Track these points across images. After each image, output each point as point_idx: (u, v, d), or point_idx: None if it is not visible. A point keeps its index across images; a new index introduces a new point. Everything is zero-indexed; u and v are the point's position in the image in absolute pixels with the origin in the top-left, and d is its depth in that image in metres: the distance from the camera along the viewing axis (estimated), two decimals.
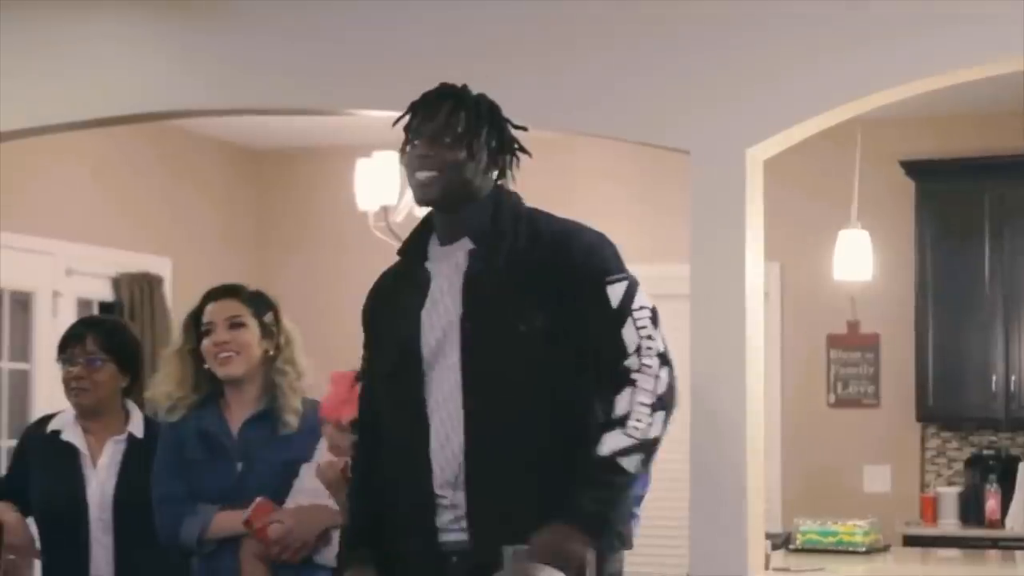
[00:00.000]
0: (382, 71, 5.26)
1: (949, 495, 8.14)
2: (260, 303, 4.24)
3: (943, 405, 8.21)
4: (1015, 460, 8.08)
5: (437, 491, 3.13)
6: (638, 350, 3.08)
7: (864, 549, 6.56)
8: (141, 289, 8.30)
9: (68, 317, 7.79)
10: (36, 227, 7.68)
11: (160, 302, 8.41)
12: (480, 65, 5.16)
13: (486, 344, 3.10)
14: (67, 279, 7.94)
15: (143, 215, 8.56)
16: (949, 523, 8.07)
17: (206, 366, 4.18)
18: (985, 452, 8.20)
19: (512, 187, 3.28)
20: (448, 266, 3.20)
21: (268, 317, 4.21)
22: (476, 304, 3.12)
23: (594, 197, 8.33)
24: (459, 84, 3.33)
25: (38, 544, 4.44)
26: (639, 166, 8.33)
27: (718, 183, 4.76)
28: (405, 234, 7.07)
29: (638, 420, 3.04)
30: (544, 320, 3.09)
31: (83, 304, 8.06)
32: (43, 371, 7.65)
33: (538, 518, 2.98)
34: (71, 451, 4.39)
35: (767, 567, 5.16)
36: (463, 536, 3.13)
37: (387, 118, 6.43)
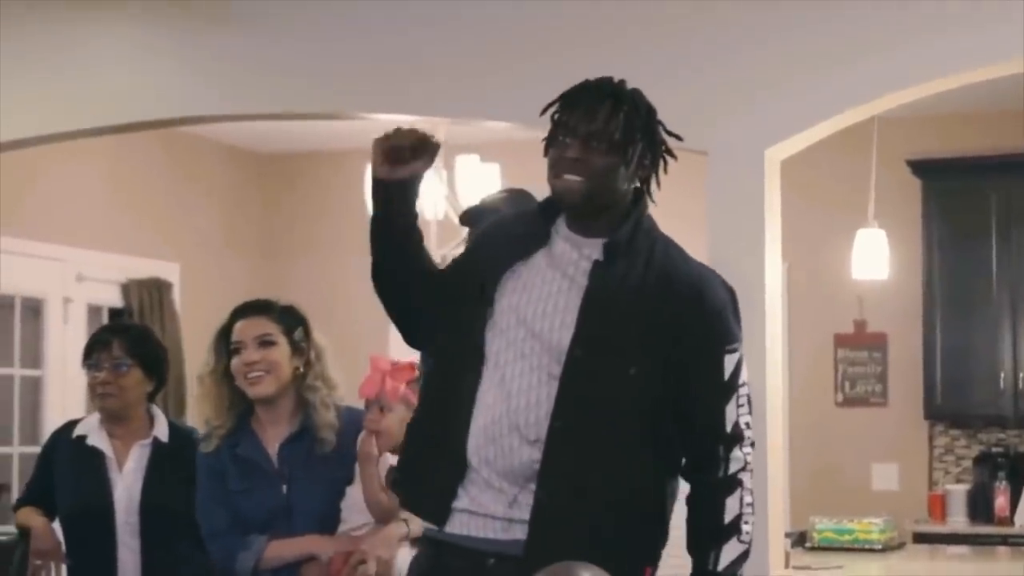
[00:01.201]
0: (392, 75, 5.28)
1: (958, 492, 8.16)
2: (290, 319, 4.15)
3: (951, 403, 8.24)
4: (1023, 457, 8.11)
5: (508, 487, 2.99)
6: (738, 437, 3.00)
7: (880, 547, 6.59)
8: (150, 294, 8.32)
9: (79, 323, 7.82)
10: (46, 233, 7.71)
11: (169, 307, 8.44)
12: (493, 67, 5.19)
13: (592, 377, 2.96)
14: (77, 285, 7.96)
15: (152, 220, 8.58)
16: (958, 520, 8.09)
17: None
18: (994, 450, 8.23)
19: (656, 193, 3.10)
20: (571, 252, 3.04)
21: (298, 333, 4.12)
22: (592, 332, 2.96)
23: None
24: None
25: (64, 548, 4.46)
26: None
27: (737, 184, 4.79)
28: None
29: (746, 523, 2.99)
30: (656, 365, 2.96)
31: (93, 310, 8.08)
32: (54, 377, 7.68)
33: (597, 548, 2.88)
34: (97, 455, 4.41)
35: (787, 565, 5.17)
36: (516, 536, 2.98)
37: (397, 122, 6.49)
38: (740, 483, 2.98)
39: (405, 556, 3.89)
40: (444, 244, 6.89)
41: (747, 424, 3.02)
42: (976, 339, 8.14)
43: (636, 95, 3.06)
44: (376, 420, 3.92)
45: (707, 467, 2.99)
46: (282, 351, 4.07)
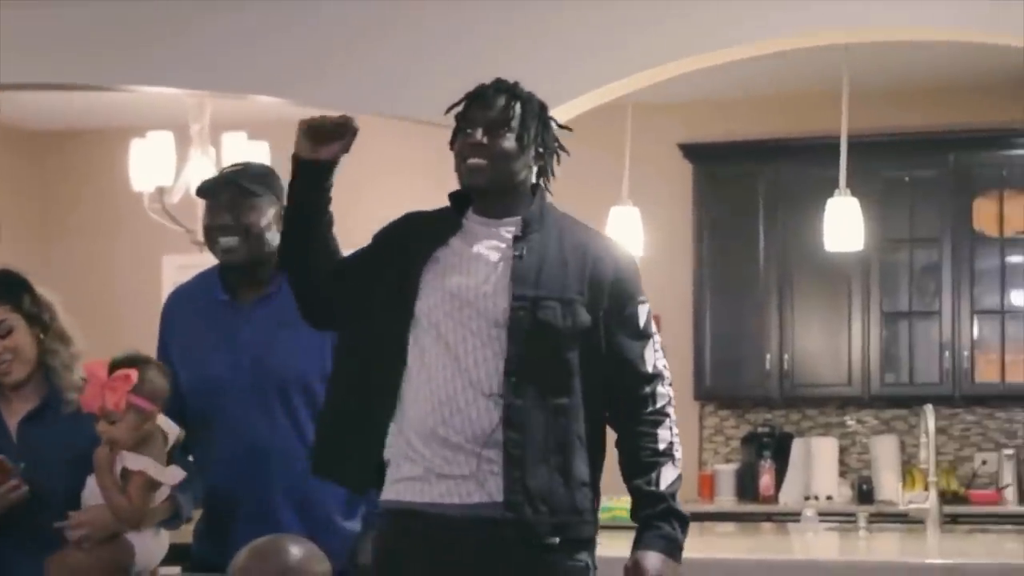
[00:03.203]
0: (158, 47, 5.21)
1: (726, 472, 8.33)
2: (14, 291, 3.95)
3: (720, 384, 8.41)
4: (788, 437, 8.31)
5: (469, 444, 3.20)
6: (659, 375, 3.33)
7: None
8: None
9: None
10: None
11: None
12: (262, 41, 5.14)
13: (534, 332, 3.23)
14: None
15: None
16: (726, 499, 8.27)
17: None
18: (760, 429, 8.40)
19: (552, 184, 3.43)
20: (487, 230, 3.34)
21: (27, 302, 3.95)
22: (526, 292, 3.25)
23: (391, 182, 8.31)
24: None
25: None
26: (435, 151, 8.30)
27: None
28: (181, 215, 7.12)
29: (676, 450, 3.33)
30: (587, 318, 3.27)
31: None
32: None
33: (564, 500, 3.26)
34: None
35: None
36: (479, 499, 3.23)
37: (164, 96, 6.39)
38: (668, 415, 3.32)
39: (146, 543, 3.91)
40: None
41: (664, 366, 3.36)
42: (744, 321, 8.31)
43: (531, 94, 3.38)
44: (105, 431, 3.85)
45: (640, 404, 3.31)
46: (21, 331, 3.91)
